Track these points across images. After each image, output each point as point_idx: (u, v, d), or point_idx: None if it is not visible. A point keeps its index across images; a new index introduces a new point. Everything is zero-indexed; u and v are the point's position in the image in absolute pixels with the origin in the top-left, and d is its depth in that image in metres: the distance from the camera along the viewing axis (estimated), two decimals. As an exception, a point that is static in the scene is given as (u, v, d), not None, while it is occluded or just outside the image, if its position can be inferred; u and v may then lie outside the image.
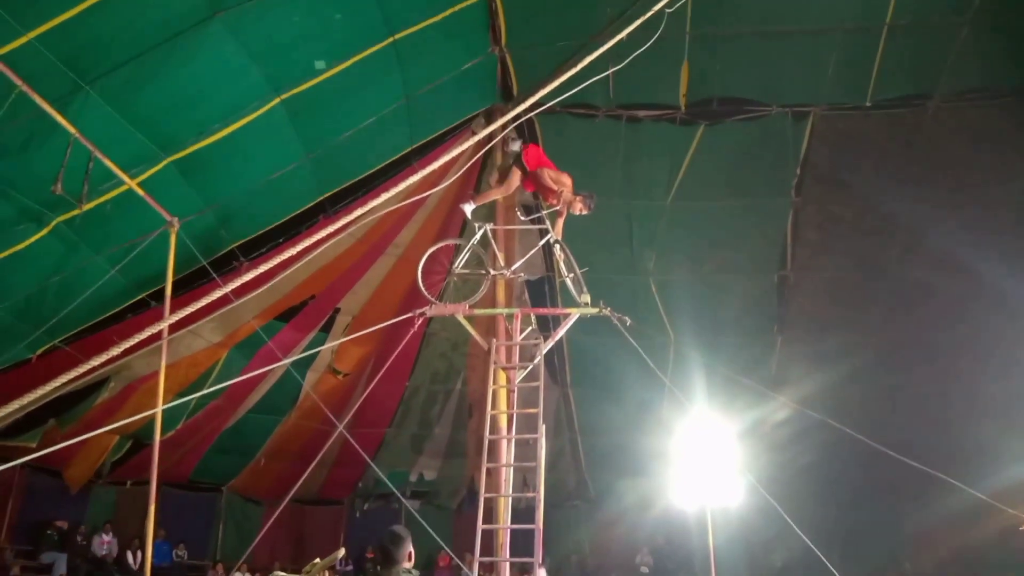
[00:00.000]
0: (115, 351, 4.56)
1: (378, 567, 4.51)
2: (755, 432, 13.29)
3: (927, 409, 13.31)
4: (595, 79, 6.32)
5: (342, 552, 5.89)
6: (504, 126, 8.87)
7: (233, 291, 5.91)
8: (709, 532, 10.34)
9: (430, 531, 11.51)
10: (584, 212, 8.97)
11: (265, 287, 11.24)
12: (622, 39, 5.54)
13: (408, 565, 4.49)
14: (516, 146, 9.38)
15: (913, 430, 12.38)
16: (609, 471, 17.00)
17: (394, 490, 14.27)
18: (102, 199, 8.78)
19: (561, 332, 8.85)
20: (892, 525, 15.58)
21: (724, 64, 10.75)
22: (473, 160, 8.53)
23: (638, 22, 5.74)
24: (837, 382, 12.87)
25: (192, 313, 5.24)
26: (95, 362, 4.24)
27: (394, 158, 11.80)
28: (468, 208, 9.19)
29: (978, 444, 12.42)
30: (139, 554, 14.90)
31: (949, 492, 9.95)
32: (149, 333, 4.86)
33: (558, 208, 9.09)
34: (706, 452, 11.12)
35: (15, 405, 3.72)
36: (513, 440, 8.61)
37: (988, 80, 10.55)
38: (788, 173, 11.85)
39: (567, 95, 6.06)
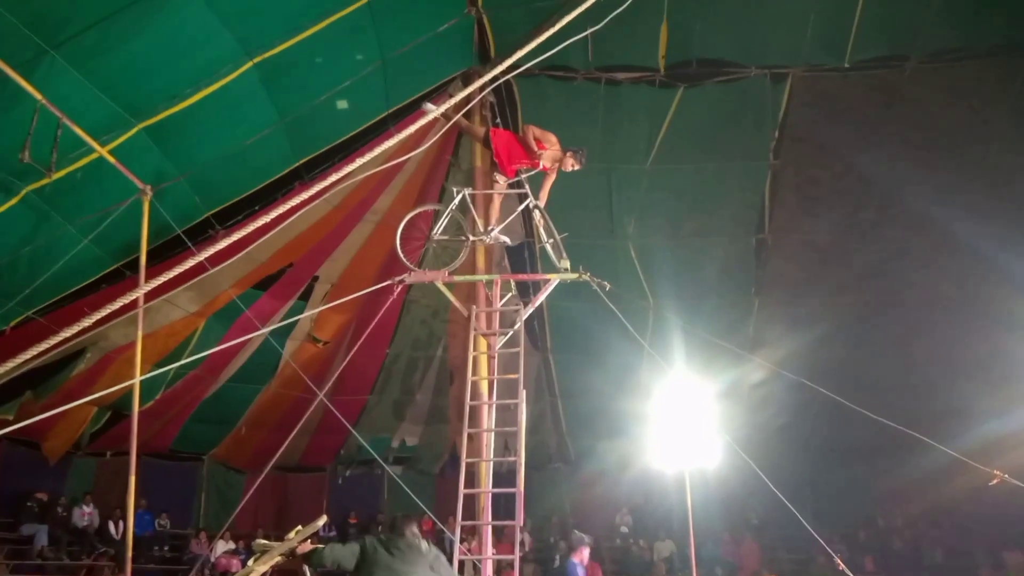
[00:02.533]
0: (88, 321, 4.49)
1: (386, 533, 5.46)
2: (733, 393, 13.45)
3: (902, 368, 13.55)
4: (573, 40, 6.18)
5: (324, 519, 5.91)
6: (482, 88, 8.70)
7: (208, 259, 5.81)
8: (687, 491, 10.48)
9: (412, 496, 11.65)
10: (577, 167, 8.85)
11: (241, 255, 11.12)
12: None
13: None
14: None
15: (888, 389, 12.61)
16: (589, 433, 17.19)
17: (376, 456, 14.32)
18: (72, 167, 8.58)
19: (541, 298, 8.85)
20: (866, 483, 15.95)
21: (703, 25, 10.69)
22: (450, 123, 8.39)
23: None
24: (813, 343, 13.05)
25: (168, 281, 5.16)
26: (69, 332, 4.15)
27: (371, 123, 11.63)
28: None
29: (952, 402, 12.69)
30: (121, 524, 14.90)
31: (922, 450, 10.15)
32: (123, 302, 4.80)
33: (544, 168, 8.90)
34: (685, 414, 11.24)
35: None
36: (494, 405, 8.66)
37: (963, 41, 10.59)
38: (766, 135, 11.88)
39: (545, 56, 5.94)
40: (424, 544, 5.47)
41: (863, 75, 11.12)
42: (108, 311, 4.49)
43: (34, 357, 4.00)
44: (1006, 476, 7.58)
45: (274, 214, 4.80)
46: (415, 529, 5.54)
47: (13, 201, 8.76)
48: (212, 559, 15.27)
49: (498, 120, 12.07)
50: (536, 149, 8.58)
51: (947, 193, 10.88)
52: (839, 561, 8.71)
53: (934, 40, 10.53)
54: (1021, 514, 11.95)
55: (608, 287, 8.26)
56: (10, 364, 3.69)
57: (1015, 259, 10.44)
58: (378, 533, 5.54)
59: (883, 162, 11.25)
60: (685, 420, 11.33)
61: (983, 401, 12.10)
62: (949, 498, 13.56)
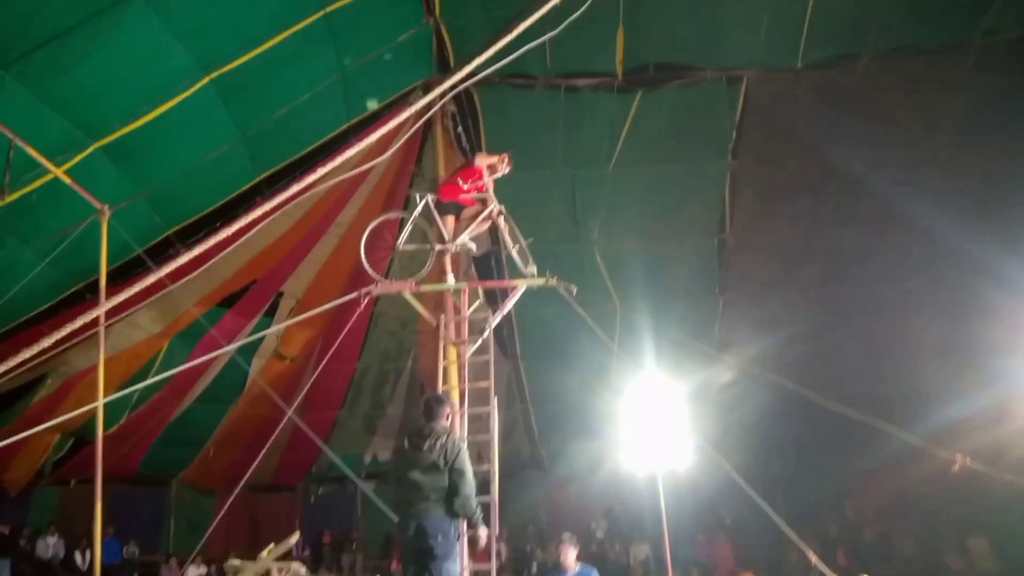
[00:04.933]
0: (48, 342, 4.41)
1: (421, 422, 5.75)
2: (702, 394, 13.58)
3: (866, 360, 13.76)
4: (531, 46, 6.27)
5: (296, 537, 5.84)
6: (442, 95, 8.74)
7: (170, 276, 5.74)
8: (660, 493, 10.53)
9: (387, 512, 11.51)
10: (507, 171, 8.98)
11: (203, 270, 10.96)
12: (557, 4, 5.49)
13: (445, 424, 5.75)
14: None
15: (853, 381, 12.83)
16: (560, 437, 17.20)
17: (348, 473, 14.17)
18: (27, 189, 8.42)
19: (510, 304, 8.85)
20: (834, 474, 16.13)
21: (658, 29, 10.82)
22: (411, 131, 8.40)
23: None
24: (779, 341, 13.21)
25: (129, 300, 5.07)
26: (29, 353, 4.08)
27: (331, 135, 11.58)
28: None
29: (915, 390, 12.93)
30: (88, 553, 14.55)
31: (887, 439, 10.37)
32: (84, 321, 4.71)
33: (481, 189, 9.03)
34: (655, 415, 11.31)
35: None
36: (466, 414, 8.64)
37: (913, 38, 10.85)
38: (724, 137, 12.05)
39: (504, 63, 6.00)
40: (434, 442, 5.50)
41: (816, 74, 11.35)
42: (69, 330, 4.42)
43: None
44: (968, 460, 7.75)
45: (235, 228, 4.77)
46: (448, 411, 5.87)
47: (-35, 224, 8.59)
48: (184, 585, 14.98)
49: (459, 132, 12.12)
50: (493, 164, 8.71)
51: (903, 185, 11.13)
52: (812, 556, 8.79)
53: (884, 38, 10.78)
54: (985, 499, 12.22)
55: (575, 290, 8.29)
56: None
57: (973, 244, 10.69)
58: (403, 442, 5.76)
59: (839, 158, 11.47)
60: (656, 421, 11.41)
61: (947, 385, 12.29)
62: (916, 486, 13.79)
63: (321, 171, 4.73)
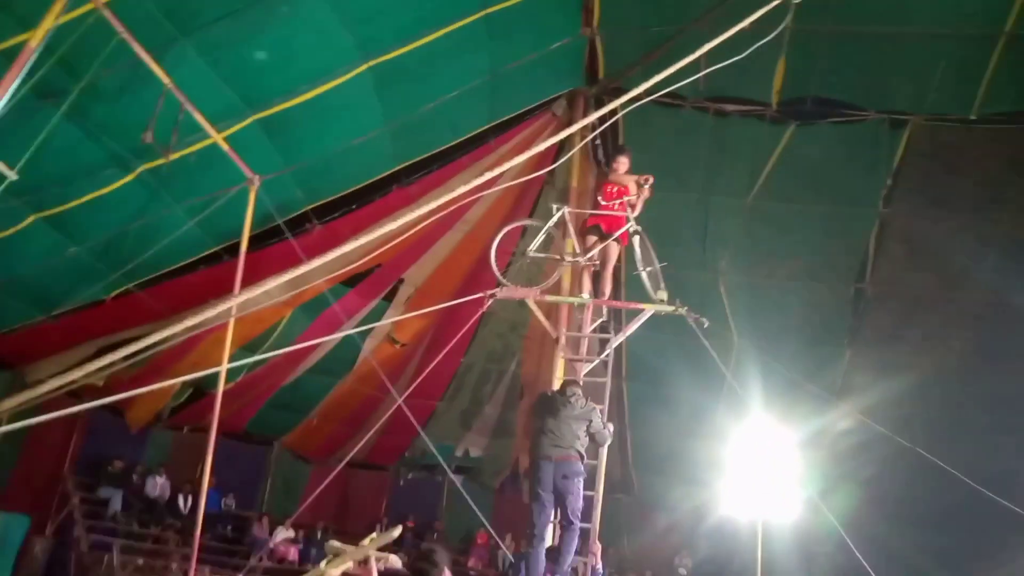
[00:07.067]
0: (195, 320, 4.50)
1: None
2: (815, 442, 12.87)
3: (999, 436, 12.61)
4: (710, 70, 5.99)
5: (399, 530, 5.82)
6: (612, 112, 8.44)
7: (304, 250, 5.90)
8: (759, 541, 10.05)
9: (473, 507, 11.52)
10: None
11: (337, 251, 11.30)
12: (744, 29, 5.18)
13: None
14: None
15: (988, 457, 11.76)
16: (656, 471, 16.76)
17: (441, 462, 14.25)
18: (187, 151, 8.89)
19: (634, 327, 8.50)
20: (955, 556, 14.87)
21: (824, 63, 10.31)
22: (555, 140, 8.31)
23: (762, 11, 5.38)
24: (906, 399, 12.30)
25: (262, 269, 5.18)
26: (176, 329, 4.25)
27: (472, 134, 11.71)
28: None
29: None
30: (190, 499, 15.32)
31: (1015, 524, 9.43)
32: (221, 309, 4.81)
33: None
34: (762, 461, 10.81)
35: (115, 356, 3.74)
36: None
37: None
38: (878, 182, 11.36)
39: (664, 89, 5.76)
40: (579, 401, 7.14)
41: (989, 129, 10.52)
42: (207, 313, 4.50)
43: (142, 336, 4.09)
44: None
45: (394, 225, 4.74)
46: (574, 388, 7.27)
47: (129, 178, 9.13)
48: (271, 544, 15.53)
49: (596, 143, 11.95)
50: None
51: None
52: None
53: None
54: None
55: (707, 324, 7.93)
56: (133, 347, 3.75)
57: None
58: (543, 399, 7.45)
59: (1004, 219, 10.57)
60: (762, 466, 10.91)
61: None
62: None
63: (475, 181, 4.67)
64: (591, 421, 7.06)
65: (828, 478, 12.87)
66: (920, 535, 14.66)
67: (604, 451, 7.42)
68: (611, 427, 7.37)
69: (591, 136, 11.54)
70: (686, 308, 7.98)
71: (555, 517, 7.13)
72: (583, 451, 6.99)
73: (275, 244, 10.94)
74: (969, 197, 10.94)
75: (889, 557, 11.84)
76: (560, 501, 6.90)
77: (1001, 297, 11.33)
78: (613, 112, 11.27)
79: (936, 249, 11.65)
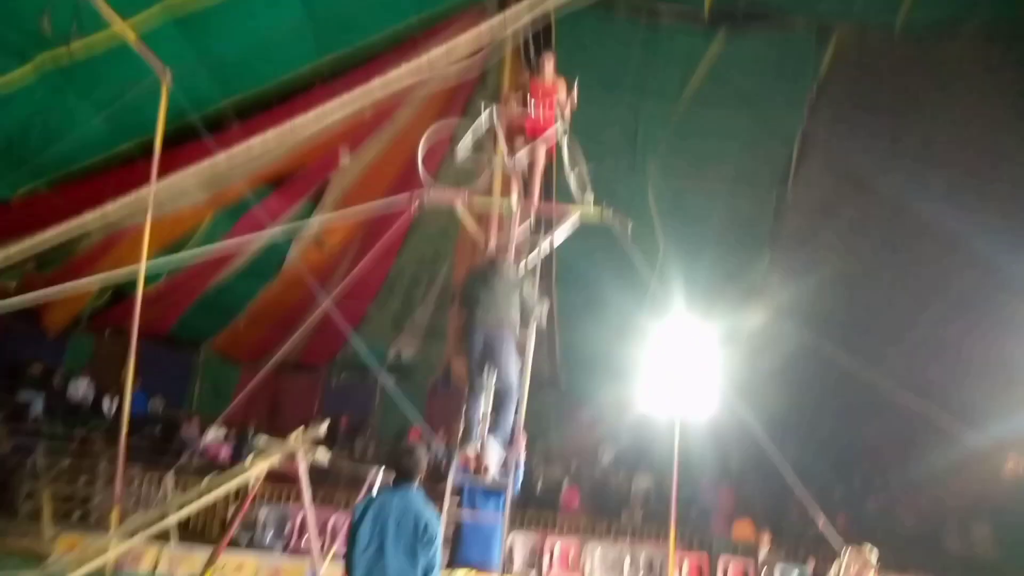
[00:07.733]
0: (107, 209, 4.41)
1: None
2: (733, 339, 13.41)
3: (909, 327, 13.32)
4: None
5: (325, 425, 5.92)
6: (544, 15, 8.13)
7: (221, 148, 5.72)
8: (676, 437, 10.51)
9: (406, 407, 11.77)
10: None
11: (257, 153, 10.92)
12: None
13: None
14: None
15: (891, 343, 12.48)
16: (583, 369, 17.31)
17: (375, 363, 14.41)
18: (92, 41, 8.34)
19: (563, 231, 8.49)
20: (851, 439, 15.93)
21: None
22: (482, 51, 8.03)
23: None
24: (818, 298, 12.89)
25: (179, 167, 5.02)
26: (89, 217, 4.10)
27: (398, 27, 11.28)
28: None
29: (957, 371, 12.50)
30: (115, 401, 15.14)
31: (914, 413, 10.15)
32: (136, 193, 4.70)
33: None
34: (682, 359, 11.20)
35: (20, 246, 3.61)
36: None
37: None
38: (804, 90, 11.52)
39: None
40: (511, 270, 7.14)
41: (912, 39, 10.68)
42: (126, 200, 4.40)
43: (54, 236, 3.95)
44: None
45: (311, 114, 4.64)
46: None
47: (28, 68, 8.57)
48: (202, 444, 15.58)
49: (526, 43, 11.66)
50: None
51: (979, 177, 10.55)
52: (819, 519, 8.63)
53: (993, 8, 10.07)
54: (993, 487, 12.09)
55: (631, 226, 8.01)
56: (30, 242, 3.64)
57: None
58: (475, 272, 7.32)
59: (922, 132, 10.89)
60: (683, 365, 11.31)
61: (990, 372, 11.86)
62: (927, 465, 13.61)
63: (393, 74, 4.53)
64: (522, 289, 7.07)
65: (744, 374, 13.53)
66: (834, 429, 15.69)
67: (532, 333, 7.40)
68: (545, 304, 7.35)
69: (521, 36, 11.24)
70: (612, 210, 8.04)
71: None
72: (515, 326, 6.96)
73: (193, 144, 10.49)
74: (887, 107, 11.20)
75: (803, 450, 12.69)
76: (494, 366, 6.89)
77: (907, 202, 11.81)
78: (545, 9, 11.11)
79: (852, 157, 11.97)
